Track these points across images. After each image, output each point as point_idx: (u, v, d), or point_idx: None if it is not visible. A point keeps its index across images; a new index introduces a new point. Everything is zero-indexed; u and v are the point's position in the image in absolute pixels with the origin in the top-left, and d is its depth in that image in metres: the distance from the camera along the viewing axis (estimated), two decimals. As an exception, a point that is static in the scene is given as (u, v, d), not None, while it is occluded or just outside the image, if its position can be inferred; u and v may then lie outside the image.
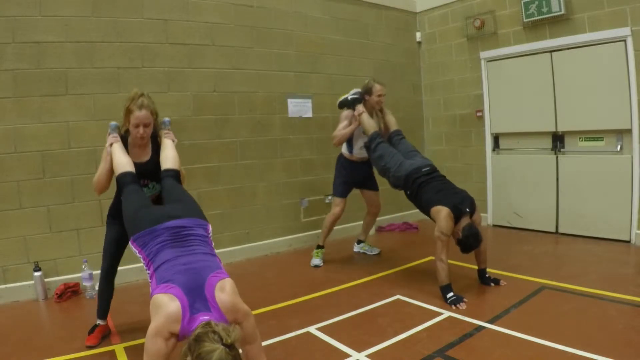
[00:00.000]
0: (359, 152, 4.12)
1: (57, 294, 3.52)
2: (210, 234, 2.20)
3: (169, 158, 2.56)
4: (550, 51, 4.73)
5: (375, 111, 4.11)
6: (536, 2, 4.68)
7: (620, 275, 3.50)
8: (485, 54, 5.37)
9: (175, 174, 2.52)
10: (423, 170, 3.52)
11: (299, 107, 4.99)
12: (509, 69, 5.17)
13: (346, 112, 4.07)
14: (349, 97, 4.09)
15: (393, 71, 5.89)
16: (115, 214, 2.63)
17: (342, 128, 4.02)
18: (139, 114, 2.47)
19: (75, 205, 3.71)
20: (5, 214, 3.47)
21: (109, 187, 2.65)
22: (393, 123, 4.08)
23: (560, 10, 4.48)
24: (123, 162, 2.46)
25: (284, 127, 4.89)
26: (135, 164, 2.53)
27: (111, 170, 2.54)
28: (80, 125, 3.71)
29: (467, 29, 5.48)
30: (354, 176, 4.20)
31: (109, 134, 2.60)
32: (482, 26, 5.29)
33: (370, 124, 3.90)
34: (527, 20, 4.81)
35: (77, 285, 3.64)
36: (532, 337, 2.47)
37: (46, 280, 3.59)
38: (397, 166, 3.60)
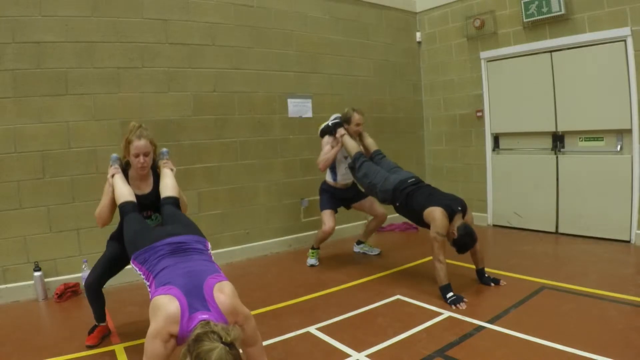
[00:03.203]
0: (343, 178, 4.16)
1: (57, 294, 3.52)
2: (209, 250, 2.23)
3: (168, 186, 2.60)
4: (550, 51, 4.73)
5: (354, 136, 4.13)
6: (536, 2, 4.68)
7: (620, 275, 3.50)
8: (485, 54, 5.37)
9: (174, 201, 2.55)
10: (409, 181, 3.59)
11: (299, 107, 4.99)
12: (509, 69, 5.17)
13: (327, 138, 4.12)
14: (330, 124, 4.15)
15: (393, 71, 5.89)
16: (117, 238, 2.68)
17: (326, 152, 4.05)
18: (139, 144, 2.52)
19: (75, 205, 3.71)
20: (5, 214, 3.47)
21: (111, 220, 2.67)
22: (372, 145, 4.15)
23: (560, 10, 4.48)
24: (124, 193, 2.50)
25: (284, 127, 4.89)
26: (137, 196, 2.56)
27: (113, 203, 2.57)
28: (80, 125, 3.72)
29: (467, 29, 5.48)
30: (341, 196, 4.23)
31: (111, 166, 2.65)
32: (482, 26, 5.29)
33: (352, 145, 3.98)
34: (527, 20, 4.81)
35: (77, 285, 3.65)
36: (532, 337, 2.47)
37: (46, 280, 3.59)
38: (383, 181, 3.67)
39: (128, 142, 2.55)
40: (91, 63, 3.74)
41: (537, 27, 4.79)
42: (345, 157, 4.09)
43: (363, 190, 4.11)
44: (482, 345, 2.47)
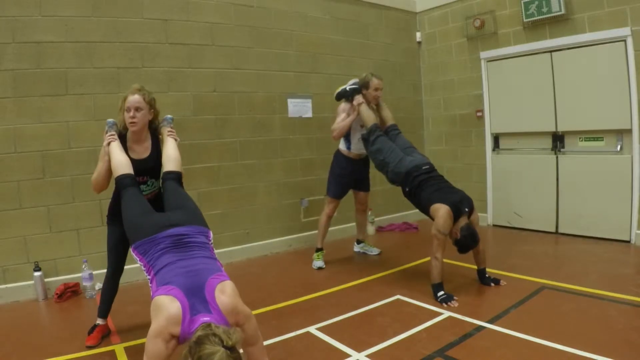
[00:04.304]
0: (357, 147, 4.05)
1: (57, 294, 3.52)
2: (212, 241, 2.20)
3: (171, 159, 2.53)
4: (550, 51, 4.73)
5: (372, 106, 4.03)
6: (536, 2, 4.68)
7: (620, 275, 3.50)
8: (485, 54, 5.37)
9: (177, 177, 2.50)
10: (423, 168, 3.51)
11: (299, 107, 4.99)
12: (509, 69, 5.17)
13: (343, 105, 4.01)
14: (347, 88, 4.02)
15: (393, 71, 5.89)
16: (116, 213, 2.60)
17: (341, 120, 3.95)
18: (131, 98, 2.49)
19: (75, 205, 3.71)
20: (5, 214, 3.47)
21: (107, 187, 2.64)
22: (389, 118, 4.04)
23: (560, 10, 4.48)
24: (122, 164, 2.43)
25: (284, 127, 4.89)
26: (135, 161, 2.51)
27: (109, 170, 2.51)
28: (80, 125, 3.71)
29: (467, 29, 5.48)
30: (351, 174, 4.14)
31: (106, 132, 2.57)
32: (482, 26, 5.29)
33: (369, 116, 3.83)
34: (527, 20, 4.81)
35: (77, 285, 3.65)
36: (532, 337, 2.47)
37: (46, 280, 3.59)
38: (396, 162, 3.58)
39: (124, 100, 2.51)
40: (91, 63, 3.74)
41: (537, 27, 4.79)
42: (361, 126, 3.95)
43: (375, 164, 3.93)
44: (482, 345, 2.47)
